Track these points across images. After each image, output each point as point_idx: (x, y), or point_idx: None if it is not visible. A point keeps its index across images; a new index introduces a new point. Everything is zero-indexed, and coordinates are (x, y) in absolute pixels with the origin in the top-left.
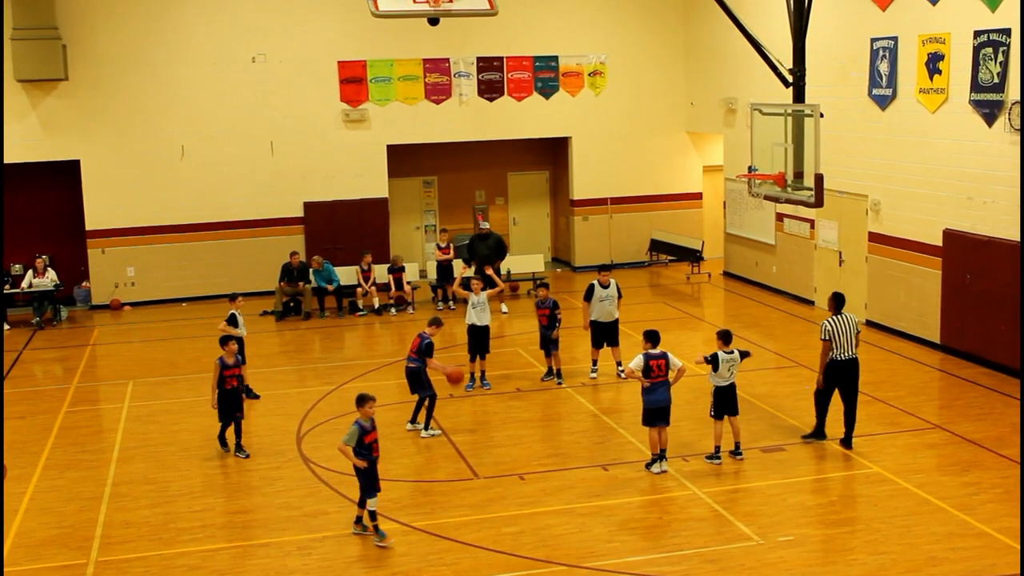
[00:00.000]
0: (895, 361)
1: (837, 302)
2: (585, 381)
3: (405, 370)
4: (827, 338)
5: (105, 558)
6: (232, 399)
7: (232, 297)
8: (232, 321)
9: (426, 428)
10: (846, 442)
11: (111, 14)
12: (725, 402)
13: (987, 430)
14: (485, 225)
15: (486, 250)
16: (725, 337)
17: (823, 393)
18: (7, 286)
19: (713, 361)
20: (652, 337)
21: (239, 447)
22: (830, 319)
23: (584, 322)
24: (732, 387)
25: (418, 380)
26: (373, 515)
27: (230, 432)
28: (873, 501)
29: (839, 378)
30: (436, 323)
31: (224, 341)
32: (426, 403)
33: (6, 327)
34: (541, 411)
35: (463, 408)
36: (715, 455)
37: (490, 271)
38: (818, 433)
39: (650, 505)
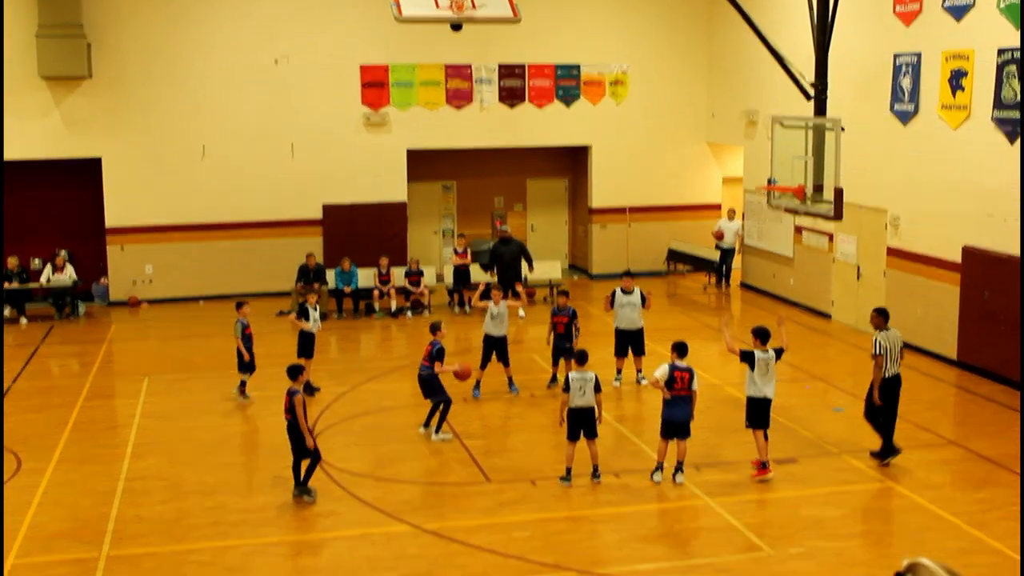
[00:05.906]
0: (911, 376)
1: (884, 317)
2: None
3: (418, 377)
4: (880, 353)
5: (117, 552)
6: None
7: (305, 291)
8: (303, 314)
9: (437, 431)
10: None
11: (136, 13)
12: (757, 413)
13: (1003, 447)
14: (505, 229)
15: (509, 255)
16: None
17: (885, 410)
18: (13, 281)
19: (748, 359)
20: (680, 349)
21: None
22: (881, 335)
23: (604, 306)
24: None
25: (431, 386)
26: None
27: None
28: (886, 515)
29: (890, 394)
30: (435, 328)
31: (297, 372)
32: (440, 408)
33: (24, 321)
34: (554, 417)
35: (475, 412)
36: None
37: (519, 287)
38: (889, 450)
39: (662, 514)
